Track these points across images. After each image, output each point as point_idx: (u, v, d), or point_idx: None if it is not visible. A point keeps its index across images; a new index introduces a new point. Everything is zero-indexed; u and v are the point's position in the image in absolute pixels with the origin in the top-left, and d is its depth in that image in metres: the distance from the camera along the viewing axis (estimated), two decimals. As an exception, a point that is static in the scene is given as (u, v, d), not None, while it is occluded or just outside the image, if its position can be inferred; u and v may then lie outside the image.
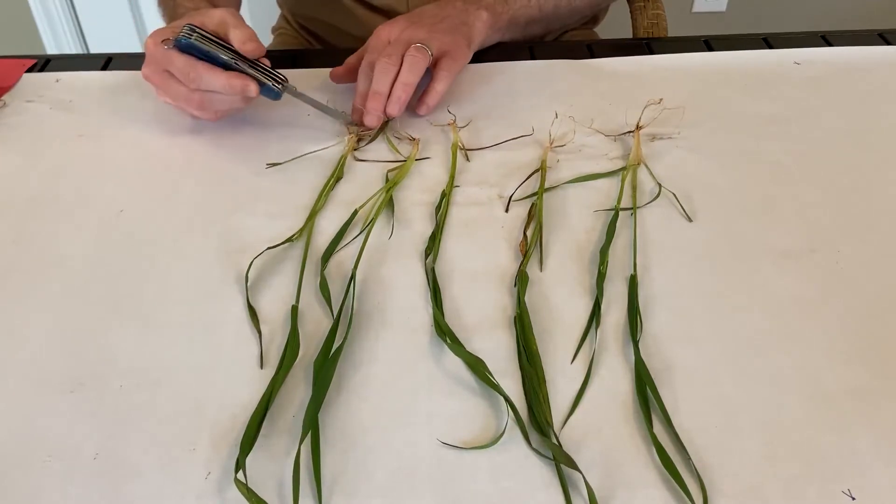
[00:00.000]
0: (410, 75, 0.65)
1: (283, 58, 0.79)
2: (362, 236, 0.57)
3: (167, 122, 0.69)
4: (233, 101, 0.63)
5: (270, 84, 0.63)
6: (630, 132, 0.66)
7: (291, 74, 0.75)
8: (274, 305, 0.52)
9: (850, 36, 0.80)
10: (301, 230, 0.57)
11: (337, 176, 0.62)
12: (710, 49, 0.79)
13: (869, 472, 0.42)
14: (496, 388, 0.45)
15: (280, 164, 0.63)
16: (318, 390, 0.45)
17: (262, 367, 0.48)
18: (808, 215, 0.58)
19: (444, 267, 0.55)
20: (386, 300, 0.52)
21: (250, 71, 0.62)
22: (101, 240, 0.57)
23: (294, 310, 0.50)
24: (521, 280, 0.52)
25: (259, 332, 0.49)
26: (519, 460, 0.43)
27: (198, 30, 0.61)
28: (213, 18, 0.62)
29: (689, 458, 0.42)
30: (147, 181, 0.63)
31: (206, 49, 0.61)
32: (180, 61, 0.61)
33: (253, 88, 0.61)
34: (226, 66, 0.61)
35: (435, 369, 0.47)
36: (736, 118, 0.69)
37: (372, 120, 0.66)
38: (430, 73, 0.68)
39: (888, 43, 0.79)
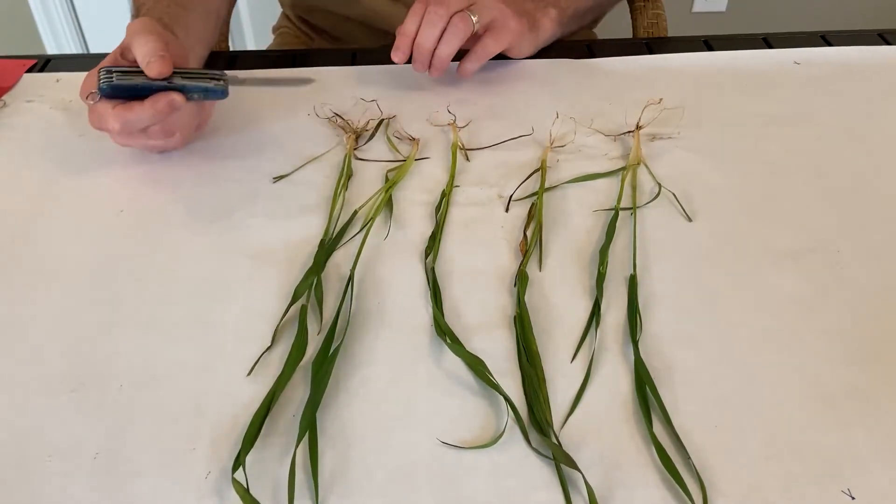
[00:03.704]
0: (447, 47, 0.68)
1: (283, 57, 0.80)
2: (361, 236, 0.57)
3: (167, 122, 0.69)
4: (183, 118, 0.60)
5: (212, 85, 0.59)
6: (630, 132, 0.66)
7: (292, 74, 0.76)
8: (272, 305, 0.52)
9: (850, 36, 0.80)
10: (326, 230, 0.57)
11: (347, 174, 0.62)
12: (710, 49, 0.79)
13: (869, 472, 0.42)
14: (496, 388, 0.45)
15: (287, 175, 0.63)
16: (316, 390, 0.45)
17: (251, 372, 0.48)
18: (807, 215, 0.58)
19: (444, 267, 0.55)
20: (386, 300, 0.52)
21: (182, 83, 0.58)
22: (100, 240, 0.57)
23: (304, 309, 0.50)
24: (521, 280, 0.52)
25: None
26: (519, 460, 0.43)
27: (114, 69, 0.57)
28: (129, 37, 0.58)
29: (689, 458, 0.42)
30: (147, 181, 0.63)
31: (132, 84, 0.57)
32: (107, 116, 0.57)
33: (178, 99, 0.56)
34: (161, 88, 0.57)
35: (435, 369, 0.47)
36: (736, 118, 0.69)
37: (418, 67, 0.70)
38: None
39: (888, 43, 0.79)
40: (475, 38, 0.70)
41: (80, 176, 0.63)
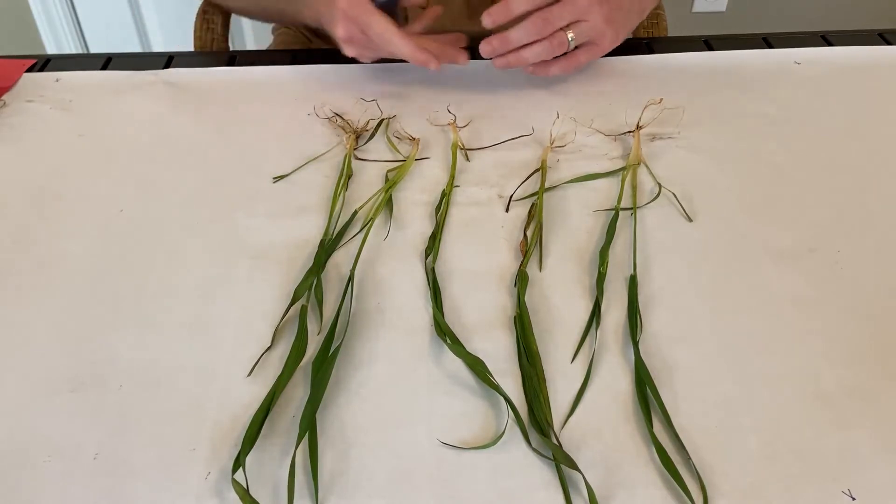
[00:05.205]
0: (532, 54, 0.66)
1: (283, 56, 0.79)
2: (361, 236, 0.57)
3: (167, 122, 0.69)
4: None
5: None
6: (630, 132, 0.66)
7: (291, 73, 0.76)
8: (272, 305, 0.52)
9: (850, 36, 0.80)
10: (326, 230, 0.57)
11: (347, 174, 0.62)
12: (710, 49, 0.79)
13: (869, 472, 0.42)
14: (496, 388, 0.45)
15: (287, 175, 0.63)
16: (316, 391, 0.45)
17: (251, 373, 0.48)
18: (808, 215, 0.58)
19: (444, 267, 0.55)
20: (386, 300, 0.52)
21: None
22: (101, 239, 0.57)
23: (304, 309, 0.50)
24: (521, 280, 0.52)
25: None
26: (519, 460, 0.43)
27: None
28: None
29: (689, 458, 0.42)
30: (147, 181, 0.63)
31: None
32: (378, 26, 0.65)
33: (434, 64, 0.65)
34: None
35: (435, 369, 0.47)
36: (736, 118, 0.69)
37: (484, 50, 0.67)
38: None
39: (888, 43, 0.79)
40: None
41: (80, 176, 0.63)
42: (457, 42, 0.70)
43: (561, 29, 0.66)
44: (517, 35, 0.66)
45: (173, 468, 0.42)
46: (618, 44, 0.72)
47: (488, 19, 0.66)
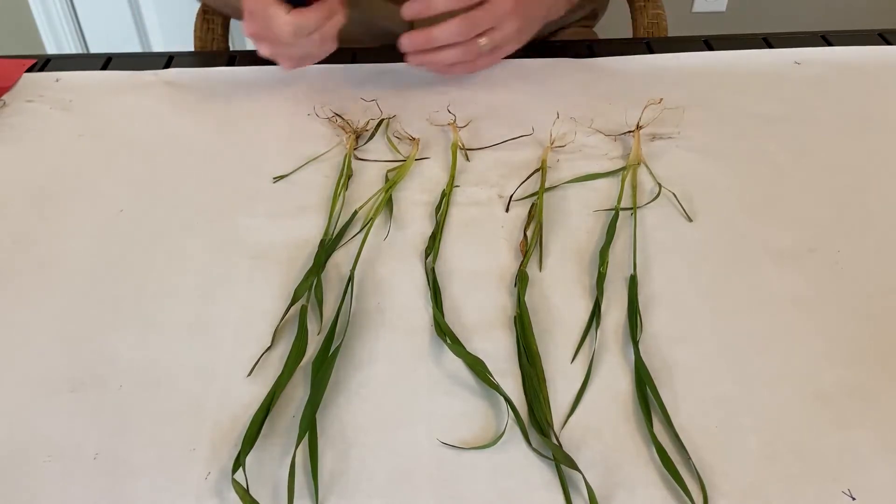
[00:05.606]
0: (450, 58, 0.66)
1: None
2: (361, 236, 0.57)
3: (167, 122, 0.69)
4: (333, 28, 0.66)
5: None
6: (630, 132, 0.66)
7: (291, 73, 0.75)
8: (272, 305, 0.52)
9: (850, 36, 0.80)
10: (326, 230, 0.57)
11: (347, 174, 0.62)
12: (710, 49, 0.79)
13: (869, 472, 0.42)
14: (496, 388, 0.45)
15: (287, 175, 0.63)
16: (316, 391, 0.45)
17: (252, 372, 0.48)
18: (808, 215, 0.58)
19: (444, 267, 0.55)
20: (386, 300, 0.52)
21: None
22: (101, 240, 0.57)
23: (304, 309, 0.50)
24: (521, 280, 0.52)
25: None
26: (519, 460, 0.43)
27: None
28: None
29: (689, 458, 0.42)
30: (147, 181, 0.63)
31: None
32: (278, 20, 0.63)
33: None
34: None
35: (435, 369, 0.47)
36: (736, 118, 0.69)
37: (404, 43, 0.66)
38: None
39: (888, 43, 0.79)
40: None
41: (80, 176, 0.63)
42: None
43: (476, 35, 0.66)
44: (442, 34, 0.65)
45: (173, 468, 0.42)
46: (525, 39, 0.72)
47: (408, 11, 0.66)
